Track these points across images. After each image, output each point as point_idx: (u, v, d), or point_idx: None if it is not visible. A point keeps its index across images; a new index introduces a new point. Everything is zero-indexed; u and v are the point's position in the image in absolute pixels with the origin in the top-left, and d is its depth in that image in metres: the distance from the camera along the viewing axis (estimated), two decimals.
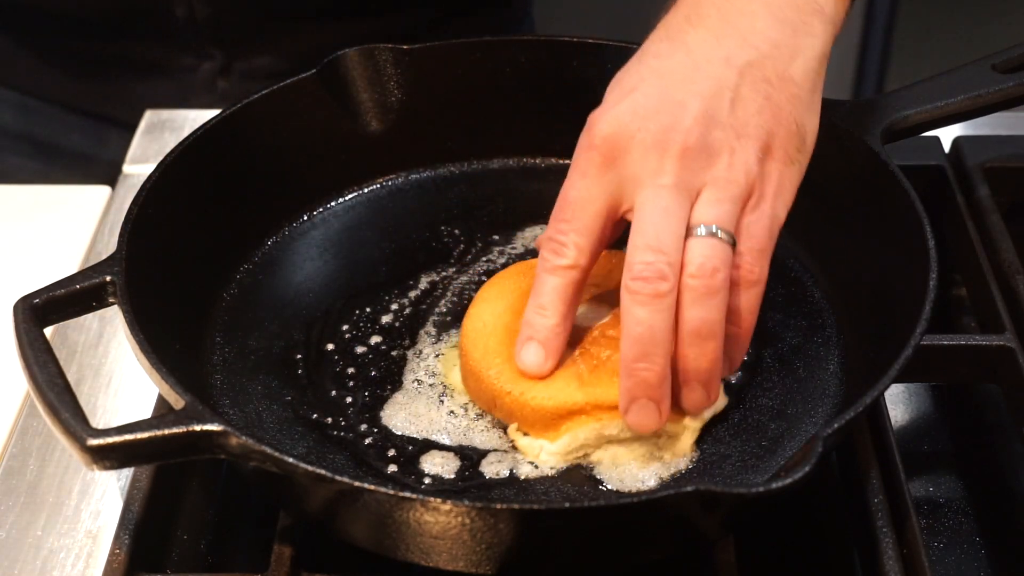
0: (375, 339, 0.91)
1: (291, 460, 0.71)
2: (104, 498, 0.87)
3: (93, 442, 0.71)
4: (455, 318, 0.92)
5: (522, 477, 0.81)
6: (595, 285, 0.87)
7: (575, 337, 0.84)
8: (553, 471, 0.81)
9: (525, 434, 0.83)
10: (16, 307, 0.79)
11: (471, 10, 1.32)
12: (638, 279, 0.75)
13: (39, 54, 1.29)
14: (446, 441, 0.83)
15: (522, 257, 0.98)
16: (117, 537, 0.78)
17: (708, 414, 0.83)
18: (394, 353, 0.90)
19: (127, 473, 0.86)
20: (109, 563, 0.77)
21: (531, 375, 0.82)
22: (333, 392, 0.87)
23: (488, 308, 0.87)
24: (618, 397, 0.78)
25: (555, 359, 0.81)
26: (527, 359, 0.81)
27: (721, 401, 0.84)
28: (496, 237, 1.00)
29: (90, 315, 0.87)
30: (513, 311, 0.86)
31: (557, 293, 0.79)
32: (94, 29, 1.25)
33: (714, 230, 0.76)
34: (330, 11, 1.25)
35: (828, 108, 0.95)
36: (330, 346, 0.91)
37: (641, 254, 0.75)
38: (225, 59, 1.27)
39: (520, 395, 0.82)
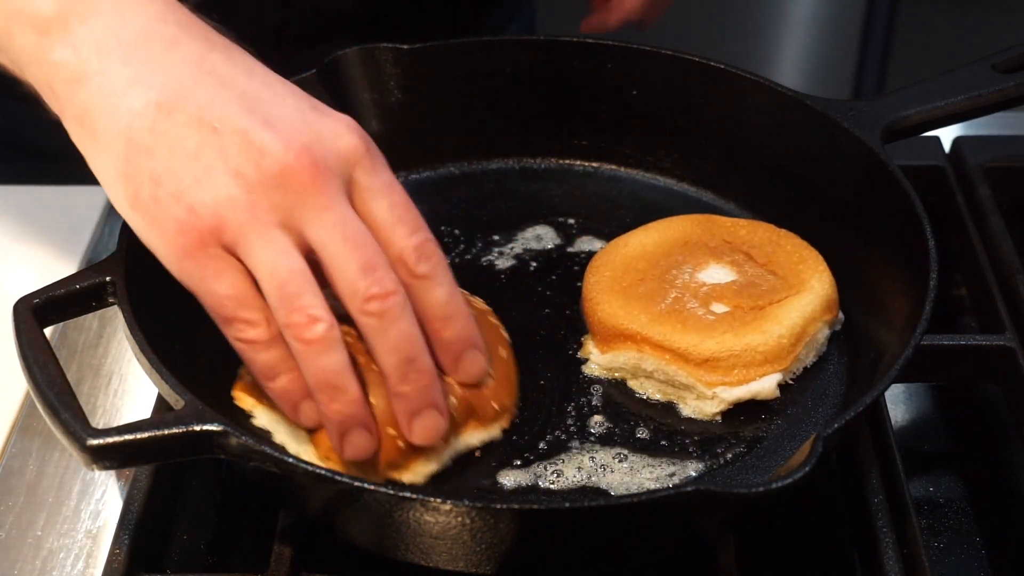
0: None
1: (291, 460, 0.71)
2: (104, 498, 0.87)
3: (93, 442, 0.71)
4: None
5: (539, 485, 0.81)
6: (743, 253, 0.91)
7: (684, 284, 0.89)
8: (559, 486, 0.82)
9: (592, 341, 0.90)
10: (16, 307, 0.79)
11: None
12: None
13: None
14: None
15: (521, 257, 0.98)
16: (117, 537, 0.78)
17: (742, 393, 0.85)
18: None
19: (127, 473, 0.86)
20: (109, 563, 0.77)
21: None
22: None
23: (638, 237, 0.94)
24: (669, 343, 0.85)
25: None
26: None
27: (769, 391, 0.85)
28: (496, 237, 1.00)
29: (90, 315, 0.87)
30: (656, 244, 0.93)
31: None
32: None
33: None
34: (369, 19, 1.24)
35: (828, 108, 0.95)
36: None
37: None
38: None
39: (595, 304, 0.89)
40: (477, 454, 0.82)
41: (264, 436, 0.82)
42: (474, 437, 0.82)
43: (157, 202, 0.73)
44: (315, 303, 0.73)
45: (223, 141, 0.73)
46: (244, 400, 0.84)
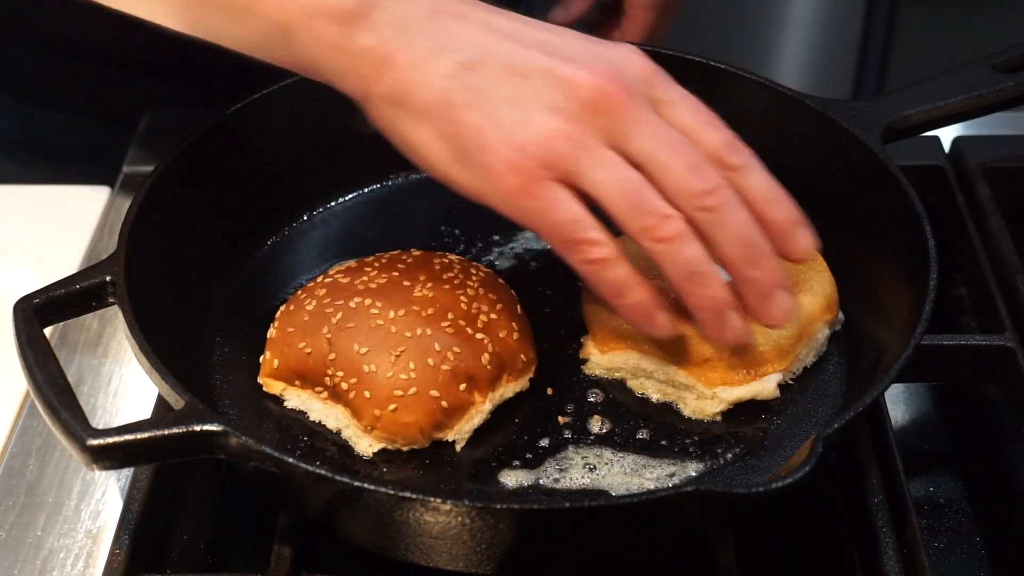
0: None
1: (291, 460, 0.71)
2: (104, 498, 0.87)
3: (93, 442, 0.71)
4: None
5: (540, 485, 0.82)
6: None
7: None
8: (559, 486, 0.82)
9: (592, 341, 0.90)
10: (16, 307, 0.79)
11: None
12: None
13: (69, 66, 1.27)
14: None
15: (521, 257, 0.98)
16: (117, 537, 0.78)
17: (742, 393, 0.85)
18: None
19: (127, 473, 0.86)
20: (109, 563, 0.77)
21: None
22: None
23: None
24: (669, 342, 0.84)
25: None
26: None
27: (769, 391, 0.86)
28: (496, 237, 1.00)
29: (90, 315, 0.87)
30: None
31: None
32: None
33: None
34: None
35: (828, 108, 0.95)
36: None
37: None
38: None
39: (596, 304, 0.89)
40: (479, 453, 0.83)
41: (298, 418, 0.85)
42: (508, 389, 0.85)
43: (486, 151, 0.77)
44: (664, 203, 0.77)
45: (533, 83, 0.78)
46: (273, 385, 0.86)
